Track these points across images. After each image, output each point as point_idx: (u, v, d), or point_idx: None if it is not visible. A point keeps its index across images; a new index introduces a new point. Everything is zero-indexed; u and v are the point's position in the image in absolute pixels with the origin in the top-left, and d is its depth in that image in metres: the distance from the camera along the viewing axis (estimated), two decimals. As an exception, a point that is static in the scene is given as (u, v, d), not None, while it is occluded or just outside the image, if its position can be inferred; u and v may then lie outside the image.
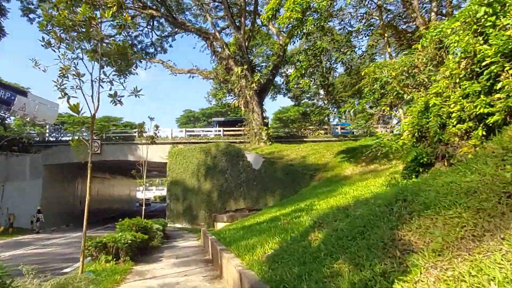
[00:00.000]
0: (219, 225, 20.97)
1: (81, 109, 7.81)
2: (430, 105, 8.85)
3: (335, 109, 67.75)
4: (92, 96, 8.16)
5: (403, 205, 4.88)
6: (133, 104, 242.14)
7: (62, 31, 7.58)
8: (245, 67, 31.55)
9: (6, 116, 37.97)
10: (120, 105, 8.95)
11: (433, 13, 22.71)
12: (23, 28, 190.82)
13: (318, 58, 22.52)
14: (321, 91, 61.47)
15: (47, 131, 37.12)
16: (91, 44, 8.26)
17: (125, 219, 16.01)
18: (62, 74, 7.92)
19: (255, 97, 31.83)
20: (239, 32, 31.90)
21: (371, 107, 12.32)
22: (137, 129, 18.82)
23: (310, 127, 41.64)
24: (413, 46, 12.89)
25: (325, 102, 63.50)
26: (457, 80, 7.74)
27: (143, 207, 19.45)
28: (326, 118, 66.62)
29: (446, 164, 8.38)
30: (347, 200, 12.09)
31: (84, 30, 7.69)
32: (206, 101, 66.81)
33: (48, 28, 7.68)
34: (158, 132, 18.72)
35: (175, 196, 30.56)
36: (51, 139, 35.21)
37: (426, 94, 9.41)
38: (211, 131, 35.87)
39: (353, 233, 5.04)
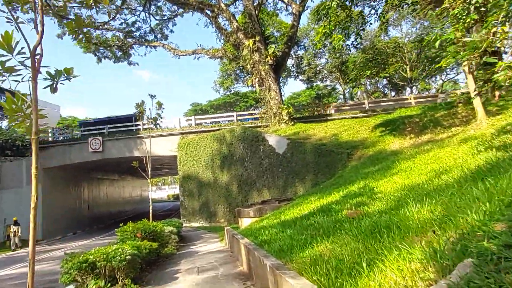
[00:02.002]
0: (245, 222, 17.23)
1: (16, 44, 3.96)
2: None
3: (349, 89, 64.47)
4: (35, 22, 4.30)
5: None
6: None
7: None
8: (257, 38, 27.55)
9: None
10: (88, 41, 5.09)
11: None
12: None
13: (348, 12, 18.44)
14: (334, 71, 57.76)
15: (50, 135, 33.67)
16: None
17: (128, 224, 12.38)
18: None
19: (270, 73, 27.85)
20: (247, -2, 27.92)
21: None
22: (136, 111, 15.02)
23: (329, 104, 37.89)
24: None
25: (340, 82, 59.84)
26: None
27: (151, 208, 15.56)
28: (340, 100, 63.03)
29: None
30: (427, 176, 8.44)
31: None
32: (214, 91, 62.87)
33: None
34: (162, 111, 14.95)
35: (189, 192, 26.89)
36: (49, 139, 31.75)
37: None
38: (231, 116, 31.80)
39: None
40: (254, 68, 28.19)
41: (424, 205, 5.51)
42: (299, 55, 58.19)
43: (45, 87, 4.83)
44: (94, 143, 29.15)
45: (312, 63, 57.86)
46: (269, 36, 30.08)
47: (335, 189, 13.70)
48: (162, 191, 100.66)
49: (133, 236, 11.66)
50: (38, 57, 4.26)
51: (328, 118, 29.57)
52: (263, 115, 29.05)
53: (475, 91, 9.69)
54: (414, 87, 58.81)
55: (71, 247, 21.35)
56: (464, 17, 8.29)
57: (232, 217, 24.56)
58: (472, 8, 8.14)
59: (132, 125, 31.21)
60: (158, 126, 15.46)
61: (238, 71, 57.45)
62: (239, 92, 61.41)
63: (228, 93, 61.32)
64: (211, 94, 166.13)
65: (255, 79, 28.49)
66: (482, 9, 8.00)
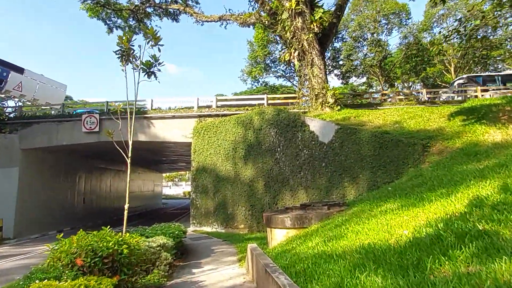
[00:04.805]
0: (278, 234, 11.48)
1: None
2: None
3: (387, 88, 58.44)
4: None
5: None
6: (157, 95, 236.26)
7: None
8: (302, -1, 21.66)
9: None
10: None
11: None
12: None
13: None
14: (375, 65, 51.79)
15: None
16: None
17: (70, 238, 6.68)
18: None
19: (315, 44, 21.88)
20: None
21: None
22: (118, 49, 9.28)
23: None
24: None
25: (379, 78, 53.93)
26: None
27: (126, 208, 9.10)
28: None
29: None
30: None
31: None
32: (241, 81, 57.41)
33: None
34: (160, 50, 9.15)
35: (203, 188, 21.31)
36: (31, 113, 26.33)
37: None
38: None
39: None
40: (294, 37, 22.23)
41: None
42: (336, 48, 52.65)
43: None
44: (89, 122, 23.52)
45: (353, 55, 52.01)
46: (315, -1, 23.89)
47: (431, 194, 7.96)
48: (178, 187, 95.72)
49: (69, 261, 6.06)
50: None
51: (378, 107, 23.55)
52: (301, 97, 23.18)
53: None
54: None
55: (33, 254, 16.05)
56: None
57: (255, 222, 19.05)
58: None
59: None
60: (154, 77, 9.68)
61: (268, 61, 52.31)
62: (267, 83, 55.68)
63: (255, 84, 55.61)
64: (237, 87, 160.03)
65: (294, 52, 22.58)
66: None
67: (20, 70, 28.04)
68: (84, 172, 31.00)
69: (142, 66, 9.34)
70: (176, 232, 11.33)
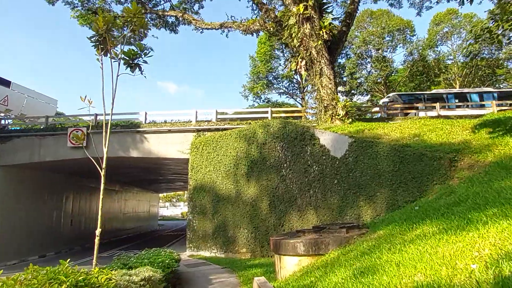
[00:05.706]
0: (288, 262, 9.58)
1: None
2: None
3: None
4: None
5: None
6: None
7: None
8: (310, 3, 19.95)
9: None
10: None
11: None
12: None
13: None
14: (380, 83, 50.72)
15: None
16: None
17: (25, 271, 4.80)
18: None
19: (324, 53, 20.24)
20: None
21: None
22: (94, 35, 7.38)
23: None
24: None
25: (384, 96, 52.69)
26: None
27: (98, 235, 7.03)
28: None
29: None
30: None
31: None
32: (242, 96, 55.98)
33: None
34: (147, 50, 7.46)
35: (201, 209, 19.43)
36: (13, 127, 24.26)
37: None
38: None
39: None
40: (302, 45, 20.59)
41: None
42: (340, 64, 51.38)
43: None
44: (77, 135, 21.82)
45: (357, 72, 50.98)
46: (324, 3, 22.27)
47: (479, 215, 6.14)
48: (176, 208, 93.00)
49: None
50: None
51: (390, 121, 21.85)
52: (306, 110, 21.51)
53: None
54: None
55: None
56: None
57: (259, 246, 17.19)
58: None
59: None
60: (139, 70, 7.88)
61: (270, 77, 51.00)
62: (270, 100, 54.22)
63: (257, 101, 54.09)
64: (239, 105, 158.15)
65: (301, 61, 20.93)
66: None
67: (6, 83, 26.26)
68: (71, 192, 28.67)
69: (123, 56, 7.55)
70: (167, 261, 9.35)
